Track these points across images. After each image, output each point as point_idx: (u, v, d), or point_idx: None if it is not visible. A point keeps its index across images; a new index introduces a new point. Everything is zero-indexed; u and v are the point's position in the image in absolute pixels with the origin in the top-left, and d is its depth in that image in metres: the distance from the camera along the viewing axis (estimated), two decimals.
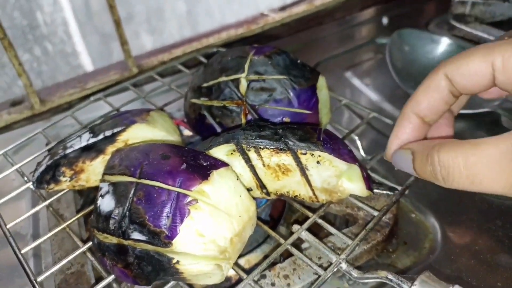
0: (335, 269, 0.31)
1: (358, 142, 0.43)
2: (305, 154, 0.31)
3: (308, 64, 0.41)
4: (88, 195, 0.46)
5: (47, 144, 0.44)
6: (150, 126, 0.37)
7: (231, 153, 0.33)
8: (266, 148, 0.32)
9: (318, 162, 0.31)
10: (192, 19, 1.63)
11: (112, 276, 0.31)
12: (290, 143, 0.31)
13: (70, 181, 0.37)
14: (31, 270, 0.32)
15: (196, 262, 0.27)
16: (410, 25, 0.64)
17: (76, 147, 0.36)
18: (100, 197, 0.31)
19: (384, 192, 0.37)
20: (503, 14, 0.62)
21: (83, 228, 0.42)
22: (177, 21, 1.63)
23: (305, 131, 0.32)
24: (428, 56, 0.56)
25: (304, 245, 0.37)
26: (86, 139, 0.37)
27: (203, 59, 0.57)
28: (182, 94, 0.49)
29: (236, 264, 0.31)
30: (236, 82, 0.39)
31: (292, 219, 0.43)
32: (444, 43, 0.56)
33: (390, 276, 0.28)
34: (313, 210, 0.35)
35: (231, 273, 0.37)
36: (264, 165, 0.33)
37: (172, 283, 0.31)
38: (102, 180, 0.32)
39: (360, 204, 0.35)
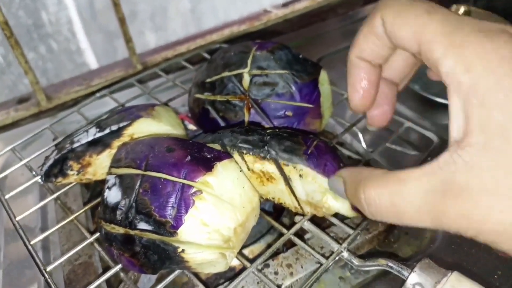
0: (337, 258, 0.31)
1: (360, 135, 0.44)
2: (287, 165, 0.31)
3: (311, 59, 0.41)
4: (95, 188, 0.47)
5: (54, 140, 0.45)
6: (155, 121, 0.38)
7: None
8: (249, 154, 0.32)
9: (300, 176, 0.31)
10: (196, 17, 1.63)
11: (119, 266, 0.32)
12: (273, 152, 0.31)
13: (77, 174, 0.38)
14: (41, 260, 0.33)
15: (201, 251, 0.28)
16: None
17: (83, 141, 0.37)
18: (107, 189, 0.32)
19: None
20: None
21: (90, 220, 0.43)
22: (181, 18, 1.64)
23: (294, 141, 0.31)
24: None
25: (307, 236, 0.38)
26: (92, 134, 0.38)
27: (206, 55, 0.57)
28: (186, 90, 0.50)
29: (240, 253, 0.32)
30: (239, 77, 0.39)
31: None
32: None
33: (390, 264, 0.29)
34: None
35: (235, 263, 0.37)
36: (248, 169, 0.33)
37: (177, 271, 0.31)
38: (109, 173, 0.33)
39: None
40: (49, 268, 0.32)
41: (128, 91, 0.57)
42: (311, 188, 0.31)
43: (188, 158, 0.30)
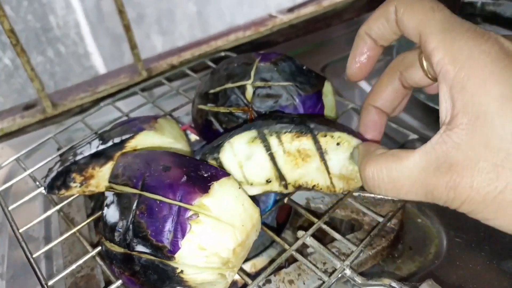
0: (339, 275, 0.31)
1: None
2: (325, 136, 0.33)
3: (316, 66, 0.41)
4: (98, 199, 0.47)
5: (58, 149, 0.45)
6: (158, 133, 0.38)
7: (252, 141, 0.33)
8: (288, 132, 0.33)
9: (338, 144, 0.33)
10: (203, 20, 1.64)
11: (120, 281, 0.32)
12: (312, 125, 0.33)
13: (80, 186, 0.38)
14: (42, 274, 0.33)
15: (200, 272, 0.28)
16: None
17: (86, 153, 0.37)
18: (106, 207, 0.31)
19: (389, 197, 0.38)
20: None
21: (93, 232, 0.43)
22: (187, 22, 1.64)
23: (320, 118, 0.35)
24: None
25: (309, 250, 0.37)
26: (95, 146, 0.38)
27: (211, 64, 0.57)
28: (190, 99, 0.50)
29: (241, 269, 0.32)
30: (242, 88, 0.39)
31: (298, 224, 0.43)
32: None
33: (393, 284, 0.28)
34: (318, 216, 0.35)
35: (237, 277, 0.37)
36: (284, 151, 0.33)
37: None
38: (108, 187, 0.32)
39: (365, 210, 0.35)
40: (50, 283, 0.32)
41: (132, 99, 0.57)
42: (345, 156, 0.33)
43: (184, 178, 0.29)
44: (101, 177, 0.38)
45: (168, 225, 0.28)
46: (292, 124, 0.33)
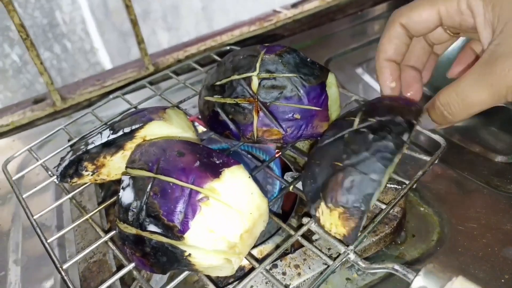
0: (344, 260, 0.32)
1: None
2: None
3: (320, 60, 0.42)
4: (109, 188, 0.48)
5: (69, 140, 0.47)
6: (166, 123, 0.39)
7: None
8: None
9: None
10: (208, 16, 1.65)
11: (133, 264, 0.33)
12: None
13: (92, 175, 0.39)
14: (57, 258, 0.34)
15: (207, 255, 0.29)
16: None
17: (97, 143, 0.38)
18: (122, 189, 0.33)
19: (393, 186, 0.38)
20: None
21: (104, 219, 0.44)
22: (193, 18, 1.65)
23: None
24: None
25: (314, 237, 0.38)
26: (106, 136, 0.39)
27: (216, 57, 0.58)
28: (196, 92, 0.51)
29: (249, 253, 0.33)
30: (248, 80, 0.40)
31: (303, 212, 0.44)
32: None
33: (396, 267, 0.29)
34: None
35: (245, 262, 0.38)
36: None
37: (186, 272, 0.32)
38: (125, 173, 0.34)
39: None
40: (65, 266, 0.34)
41: (140, 92, 0.58)
42: None
43: (197, 163, 0.31)
44: (112, 165, 0.39)
45: (180, 206, 0.29)
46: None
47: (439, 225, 0.40)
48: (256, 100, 0.40)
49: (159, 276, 0.37)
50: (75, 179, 0.39)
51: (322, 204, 0.32)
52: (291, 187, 0.38)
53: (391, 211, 0.38)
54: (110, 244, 0.35)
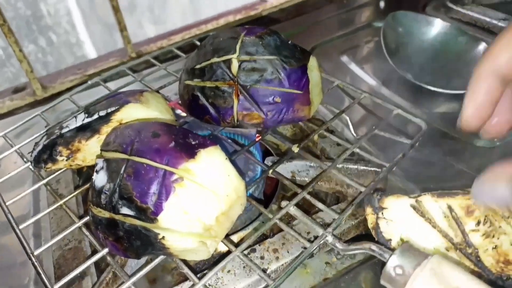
0: (321, 242, 0.31)
1: (350, 123, 0.44)
2: None
3: (305, 47, 0.41)
4: (87, 176, 0.47)
5: (46, 127, 0.45)
6: (143, 106, 0.38)
7: None
8: None
9: None
10: (195, 9, 1.63)
11: (106, 250, 0.32)
12: None
13: (67, 160, 0.38)
14: (28, 244, 0.33)
15: (181, 238, 0.28)
16: (408, 8, 0.63)
17: (72, 127, 0.37)
18: (95, 172, 0.32)
19: (372, 169, 0.38)
20: None
21: (81, 207, 0.43)
22: (180, 10, 1.63)
23: None
24: (421, 38, 0.56)
25: (294, 222, 0.38)
26: (81, 119, 0.38)
27: (198, 43, 0.57)
28: (178, 78, 0.50)
29: (228, 239, 0.32)
30: (228, 62, 0.39)
31: (285, 198, 0.43)
32: (437, 25, 0.56)
33: (373, 247, 0.29)
34: (303, 188, 0.35)
35: (224, 248, 0.38)
36: None
37: (161, 257, 0.31)
38: (99, 156, 0.33)
39: (348, 181, 0.35)
40: (36, 252, 0.33)
41: (122, 80, 0.57)
42: None
43: (172, 144, 0.30)
44: (87, 150, 0.38)
45: (153, 188, 0.28)
46: None
47: None
48: (236, 83, 0.39)
49: (135, 262, 0.36)
50: (49, 165, 0.38)
51: None
52: (270, 171, 0.37)
53: None
54: (84, 230, 0.34)
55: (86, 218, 0.34)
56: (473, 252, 0.28)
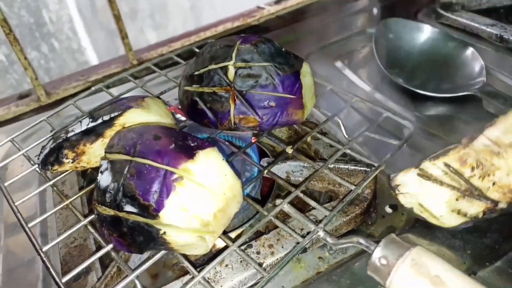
0: (313, 236, 0.33)
1: (342, 124, 0.46)
2: None
3: (300, 54, 0.43)
4: (91, 177, 0.49)
5: (51, 131, 0.47)
6: (144, 111, 0.40)
7: None
8: None
9: None
10: (196, 14, 1.65)
11: (111, 245, 0.34)
12: None
13: (72, 162, 0.40)
14: (37, 241, 0.35)
15: (181, 233, 0.30)
16: (401, 15, 0.66)
17: (77, 131, 0.39)
18: (100, 173, 0.34)
19: (362, 169, 0.40)
20: (489, 2, 0.64)
21: (86, 207, 0.45)
22: (181, 16, 1.66)
23: None
24: (412, 43, 0.58)
25: (289, 220, 0.40)
26: (86, 124, 0.40)
27: (197, 50, 0.59)
28: (177, 84, 0.52)
29: (226, 235, 0.34)
30: (225, 69, 0.41)
31: (281, 197, 0.45)
32: (427, 31, 0.58)
33: (360, 241, 0.31)
34: (296, 187, 0.37)
35: (222, 244, 0.40)
36: None
37: (163, 252, 0.33)
38: (103, 158, 0.35)
39: (340, 180, 0.37)
40: (45, 248, 0.35)
41: (123, 86, 0.59)
42: None
43: (172, 146, 0.32)
44: (92, 153, 0.40)
45: (155, 186, 0.30)
46: None
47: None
48: (232, 88, 0.41)
49: (138, 257, 0.38)
50: (56, 167, 0.40)
51: None
52: (265, 171, 0.39)
53: (361, 193, 0.40)
54: (89, 227, 0.36)
55: (91, 217, 0.37)
56: (480, 193, 0.32)
